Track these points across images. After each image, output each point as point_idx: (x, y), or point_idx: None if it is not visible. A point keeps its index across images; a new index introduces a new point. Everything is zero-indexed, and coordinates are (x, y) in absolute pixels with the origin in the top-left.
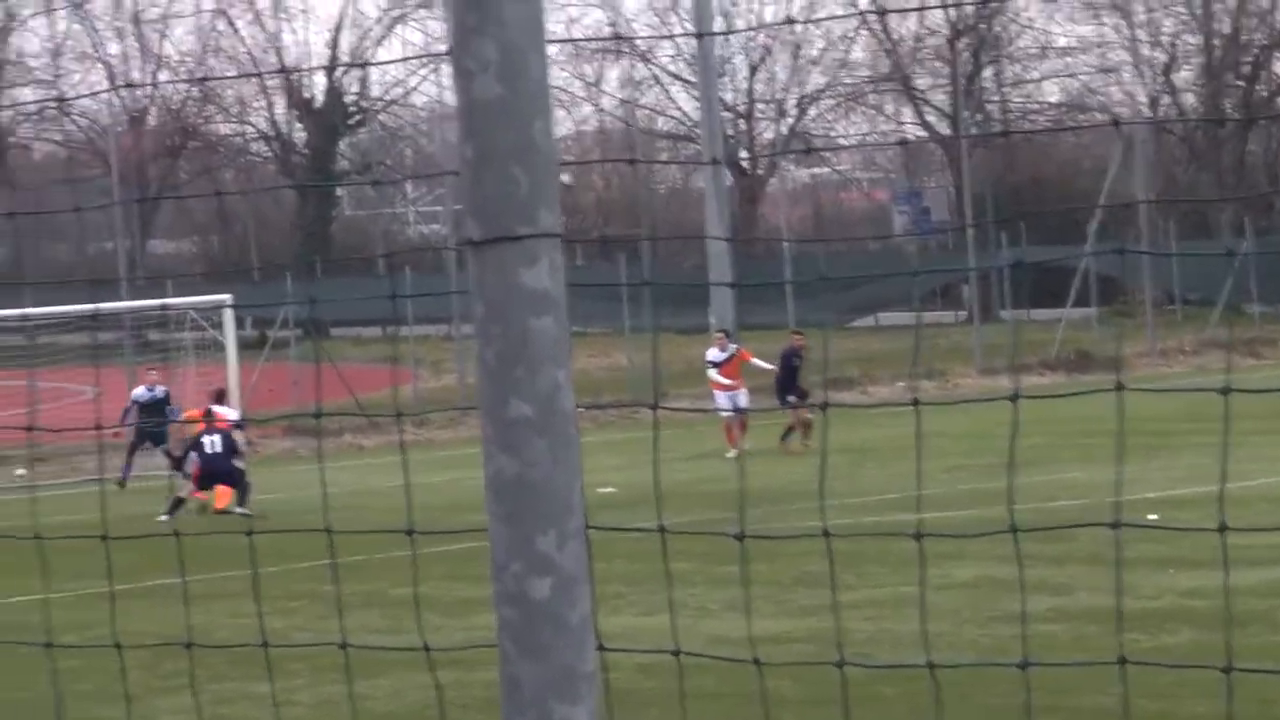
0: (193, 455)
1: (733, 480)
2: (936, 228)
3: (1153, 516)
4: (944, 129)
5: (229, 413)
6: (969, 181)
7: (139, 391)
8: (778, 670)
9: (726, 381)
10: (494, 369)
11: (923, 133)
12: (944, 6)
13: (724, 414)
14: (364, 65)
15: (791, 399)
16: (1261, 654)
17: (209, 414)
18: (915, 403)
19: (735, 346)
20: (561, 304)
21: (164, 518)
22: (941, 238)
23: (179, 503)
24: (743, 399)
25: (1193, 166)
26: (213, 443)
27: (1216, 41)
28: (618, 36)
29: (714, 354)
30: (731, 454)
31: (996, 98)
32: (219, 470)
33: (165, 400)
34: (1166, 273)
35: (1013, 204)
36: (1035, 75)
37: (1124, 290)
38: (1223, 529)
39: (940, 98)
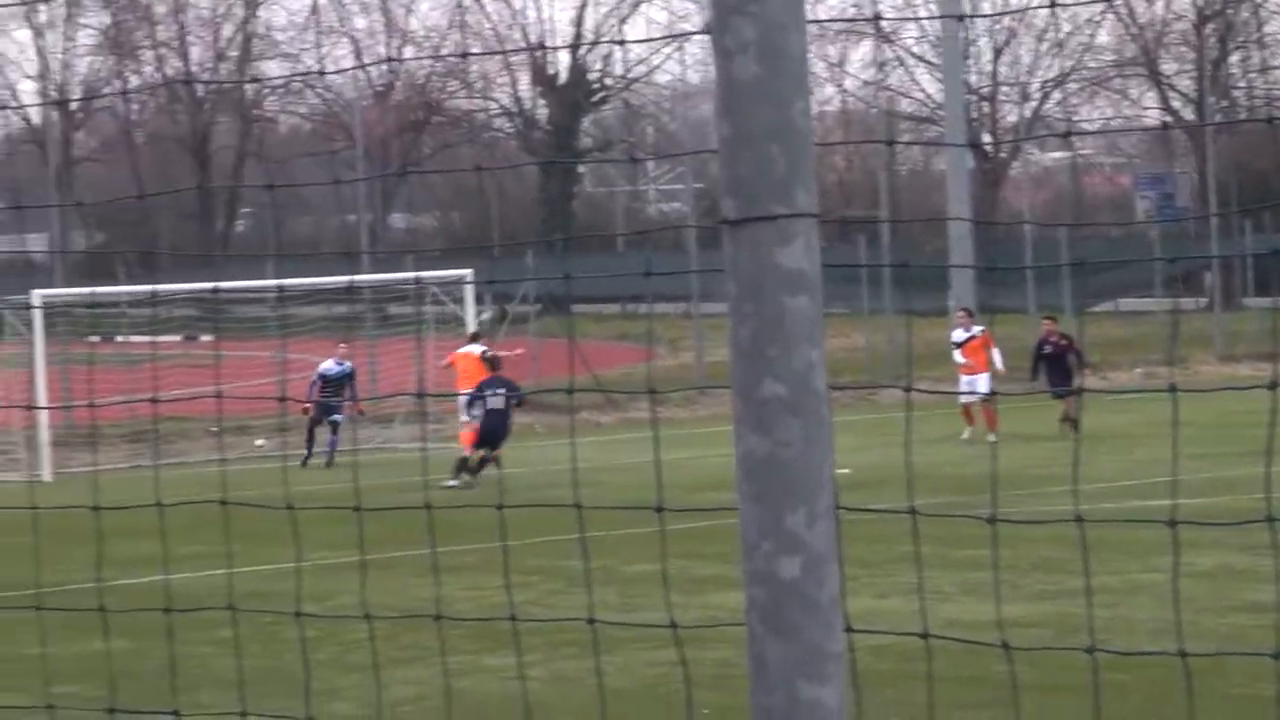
0: (473, 414)
1: (969, 464)
2: (1179, 214)
3: None
4: (1189, 115)
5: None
6: (1213, 168)
7: (327, 365)
8: (1015, 655)
9: (964, 361)
10: (747, 348)
11: (1168, 118)
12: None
13: (964, 398)
14: (611, 43)
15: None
16: None
17: (492, 369)
18: (1173, 389)
19: (980, 328)
20: (817, 284)
21: (452, 483)
22: (1185, 224)
23: (463, 463)
24: (982, 384)
25: None
26: (495, 401)
27: None
28: (866, 18)
29: (958, 334)
30: (965, 435)
31: (1243, 84)
32: (498, 428)
33: (351, 375)
34: None
35: (1259, 191)
36: None
37: None
38: None
39: (1185, 83)
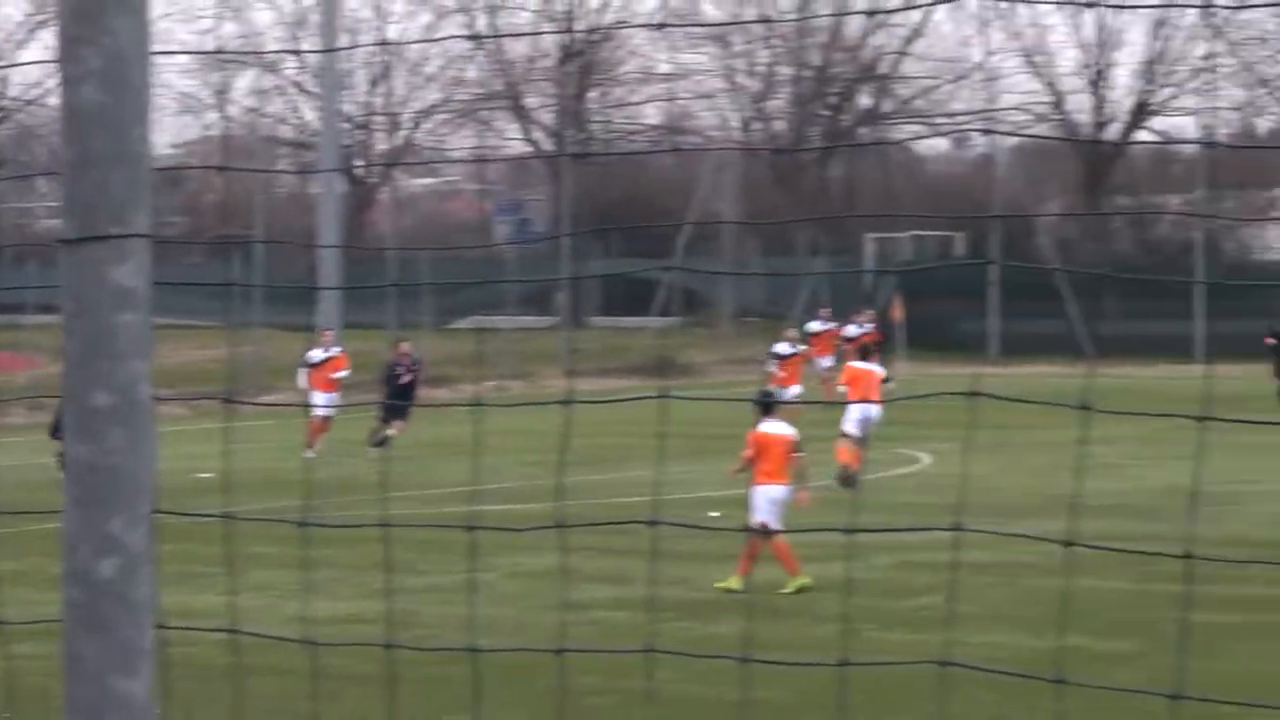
0: None
1: (318, 470)
2: (536, 237)
3: (714, 514)
4: (548, 145)
5: None
6: (568, 196)
7: None
8: (342, 649)
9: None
10: (78, 360)
11: (528, 148)
12: (556, 33)
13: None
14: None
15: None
16: (803, 644)
17: None
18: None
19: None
20: (147, 300)
21: None
22: (539, 246)
23: None
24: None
25: (777, 189)
26: None
27: (807, 73)
28: (247, 52)
29: (316, 354)
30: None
31: (600, 118)
32: None
33: None
34: (743, 287)
35: (606, 217)
36: (638, 98)
37: (705, 302)
38: (763, 529)
39: (547, 117)
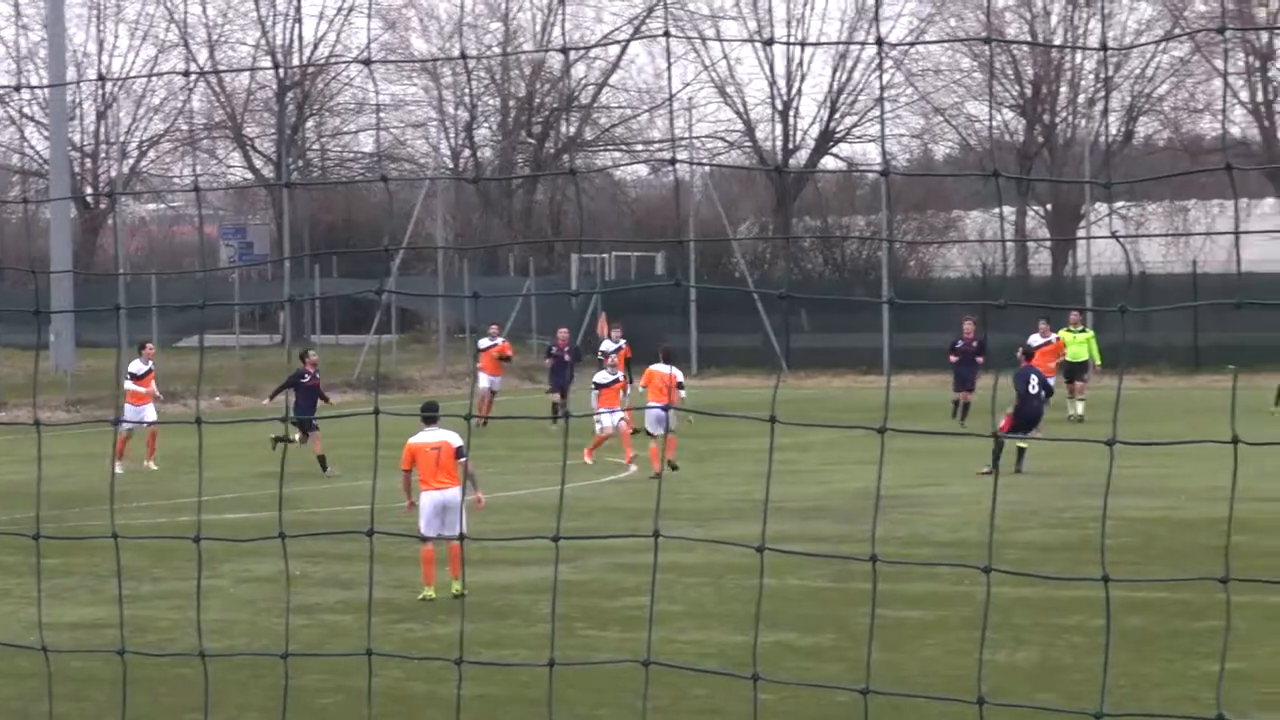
0: None
1: (63, 482)
2: (258, 259)
3: None
4: (269, 173)
5: None
6: (289, 220)
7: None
8: (89, 655)
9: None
10: None
11: (249, 174)
12: (261, 69)
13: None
14: None
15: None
16: (518, 643)
17: None
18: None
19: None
20: None
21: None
22: (262, 268)
23: None
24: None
25: (487, 212)
26: None
27: (512, 103)
28: None
29: (137, 366)
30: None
31: (317, 146)
32: None
33: None
34: (459, 305)
35: (327, 241)
36: (352, 128)
37: (420, 319)
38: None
39: (267, 145)
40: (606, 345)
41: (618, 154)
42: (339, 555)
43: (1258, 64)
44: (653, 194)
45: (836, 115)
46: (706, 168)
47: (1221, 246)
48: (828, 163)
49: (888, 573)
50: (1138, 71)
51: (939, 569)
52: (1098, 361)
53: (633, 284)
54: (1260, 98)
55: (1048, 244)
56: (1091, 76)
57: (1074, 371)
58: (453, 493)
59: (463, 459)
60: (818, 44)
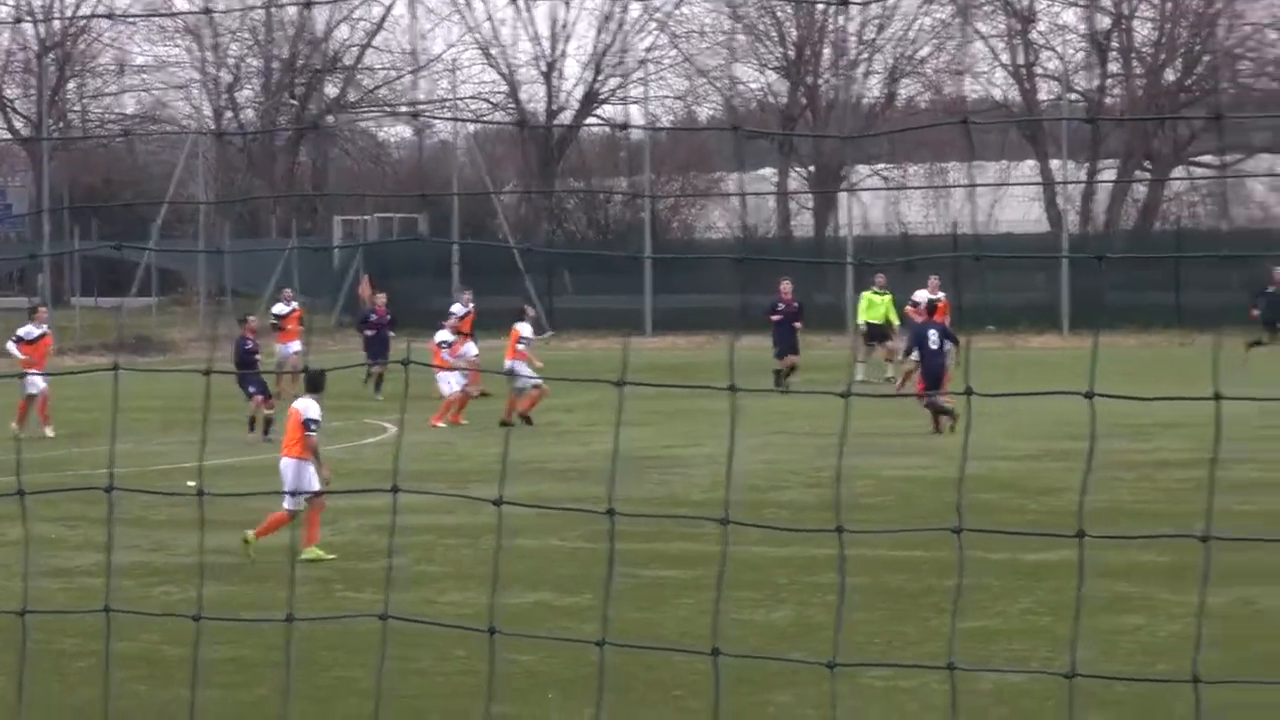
0: None
1: None
2: (16, 220)
3: (191, 484)
4: (29, 133)
5: None
6: (49, 182)
7: None
8: None
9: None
10: None
11: (7, 135)
12: (34, 21)
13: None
14: None
15: None
16: (277, 605)
17: None
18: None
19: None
20: None
21: None
22: (21, 228)
23: None
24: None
25: (250, 174)
26: None
27: (276, 65)
28: None
29: (30, 330)
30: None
31: (78, 107)
32: None
33: None
34: (219, 268)
35: (87, 198)
36: (114, 89)
37: (182, 281)
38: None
39: (28, 107)
40: (457, 308)
41: (381, 114)
42: (98, 519)
43: (1018, 27)
44: (415, 154)
45: (600, 77)
46: (471, 126)
47: (981, 209)
48: (590, 124)
49: (646, 531)
50: (900, 34)
51: (704, 527)
52: (895, 324)
53: (591, 249)
54: (1020, 60)
55: (810, 206)
56: (854, 39)
57: (879, 333)
58: (286, 461)
59: (310, 432)
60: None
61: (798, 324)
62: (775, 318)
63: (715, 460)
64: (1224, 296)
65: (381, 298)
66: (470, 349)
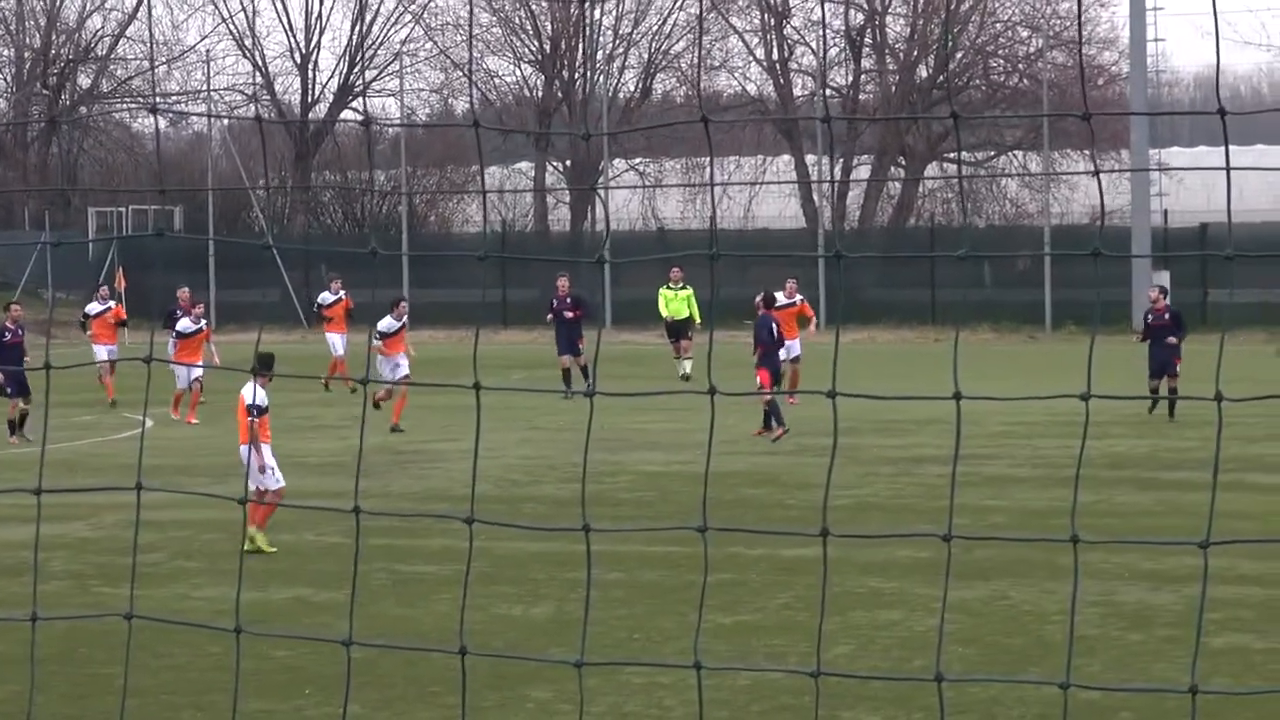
0: None
1: None
2: None
3: None
4: None
5: None
6: None
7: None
8: None
9: None
10: None
11: None
12: None
13: None
14: None
15: None
16: (26, 601)
17: None
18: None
19: None
20: None
21: None
22: None
23: None
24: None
25: (1, 163)
26: None
27: (27, 54)
28: None
29: None
30: None
31: None
32: None
33: None
34: None
35: None
36: None
37: None
38: None
39: None
40: (325, 297)
41: (134, 106)
42: None
43: (773, 22)
44: (169, 146)
45: (355, 69)
46: (226, 119)
47: (739, 204)
48: (346, 116)
49: (406, 527)
50: (655, 28)
51: (472, 525)
52: (697, 319)
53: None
54: (776, 55)
55: (566, 200)
56: (610, 33)
57: (678, 329)
58: (242, 449)
59: (251, 418)
60: None
61: (578, 312)
62: (551, 316)
63: (470, 455)
64: (978, 294)
65: (336, 283)
66: (337, 342)
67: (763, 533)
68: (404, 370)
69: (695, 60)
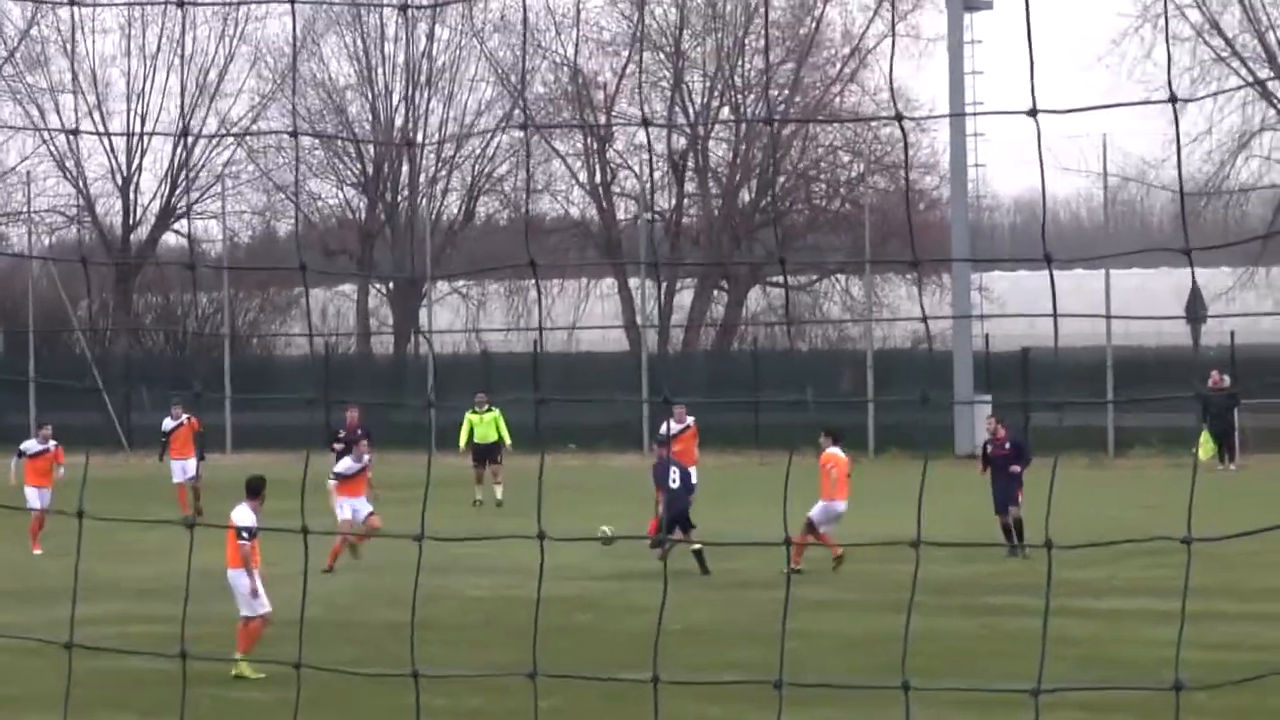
0: None
1: None
2: None
3: None
4: None
5: None
6: None
7: None
8: None
9: None
10: None
11: None
12: None
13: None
14: None
15: None
16: None
17: None
18: None
19: None
20: None
21: None
22: None
23: None
24: None
25: None
26: None
27: None
28: None
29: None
30: None
31: None
32: None
33: None
34: None
35: None
36: None
37: None
38: None
39: None
40: (167, 423)
41: None
42: None
43: (595, 146)
44: None
45: (177, 192)
46: (45, 242)
47: (561, 325)
48: (169, 239)
49: (231, 650)
50: (478, 152)
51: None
52: (507, 441)
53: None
54: (599, 179)
55: (389, 327)
56: (433, 156)
57: (485, 453)
58: (230, 572)
59: (241, 540)
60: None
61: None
62: (338, 446)
63: (294, 580)
64: (802, 416)
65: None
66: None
67: (581, 678)
68: (365, 510)
69: (521, 183)
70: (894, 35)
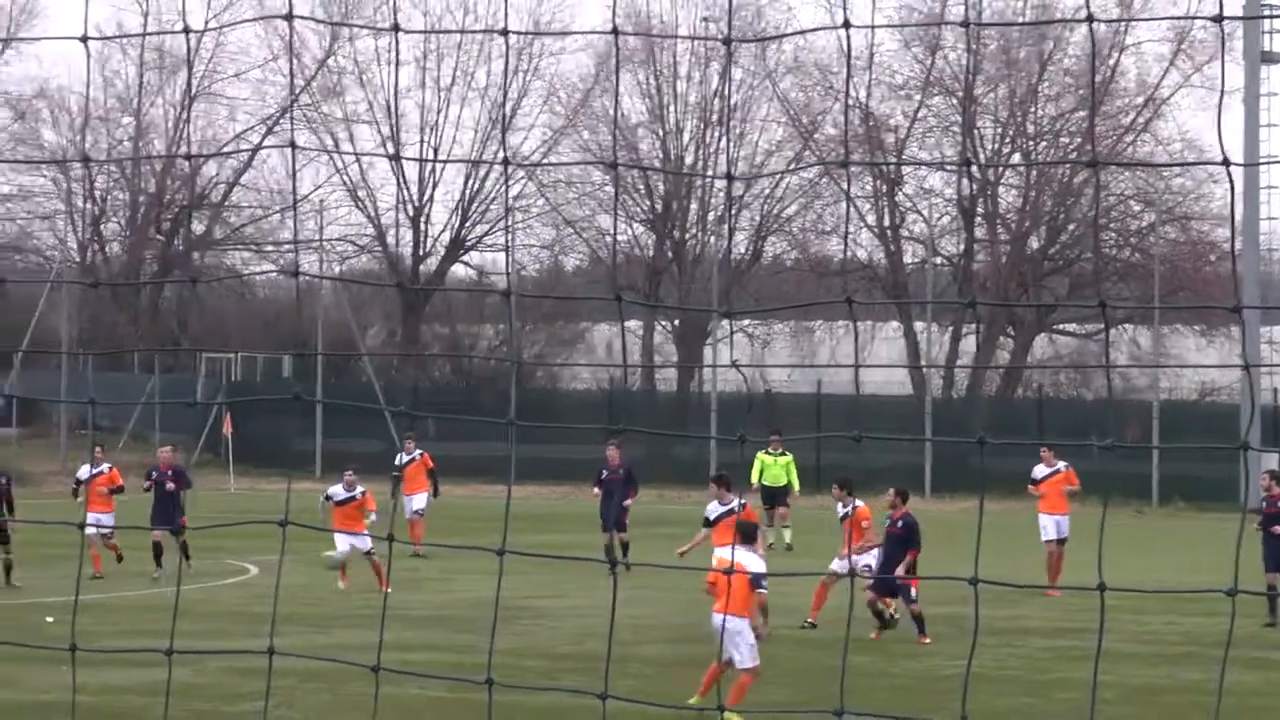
0: None
1: None
2: None
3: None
4: None
5: None
6: None
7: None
8: None
9: None
10: None
11: None
12: None
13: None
14: None
15: None
16: None
17: None
18: None
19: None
20: None
21: None
22: None
23: None
24: None
25: (114, 308)
26: None
27: (142, 199)
28: None
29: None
30: None
31: None
32: None
33: None
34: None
35: None
36: None
37: (43, 413)
38: None
39: None
40: (401, 458)
41: (246, 253)
42: None
43: (884, 188)
44: (282, 294)
45: (467, 223)
46: (338, 268)
47: (846, 368)
48: (457, 270)
49: (506, 684)
50: (767, 191)
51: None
52: (795, 487)
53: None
54: (887, 222)
55: (674, 361)
56: (721, 194)
57: (774, 496)
58: (735, 621)
59: (761, 589)
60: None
61: (627, 500)
62: (597, 490)
63: (579, 612)
64: (1086, 464)
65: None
66: (410, 502)
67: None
68: (365, 546)
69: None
70: (1222, 87)
